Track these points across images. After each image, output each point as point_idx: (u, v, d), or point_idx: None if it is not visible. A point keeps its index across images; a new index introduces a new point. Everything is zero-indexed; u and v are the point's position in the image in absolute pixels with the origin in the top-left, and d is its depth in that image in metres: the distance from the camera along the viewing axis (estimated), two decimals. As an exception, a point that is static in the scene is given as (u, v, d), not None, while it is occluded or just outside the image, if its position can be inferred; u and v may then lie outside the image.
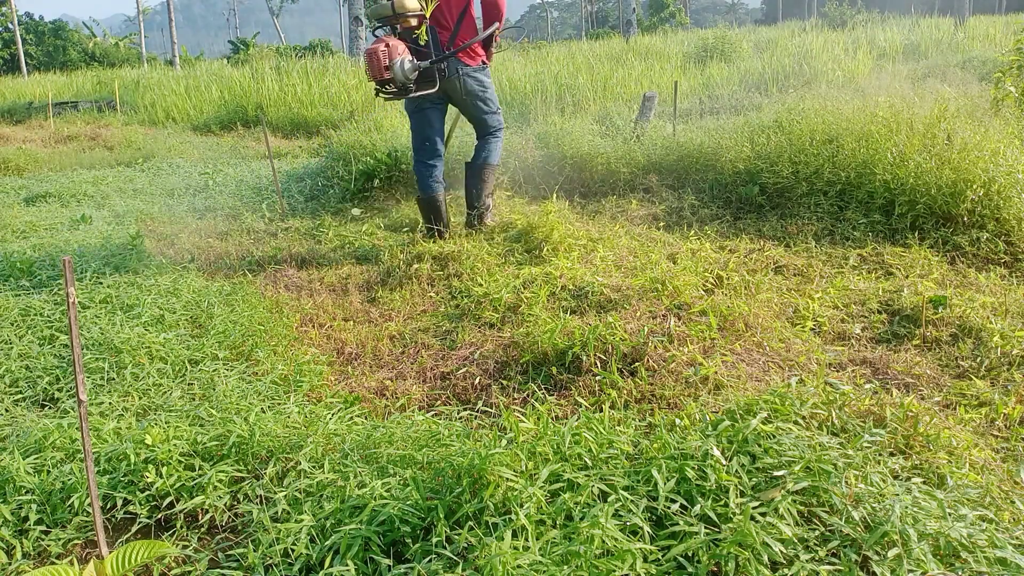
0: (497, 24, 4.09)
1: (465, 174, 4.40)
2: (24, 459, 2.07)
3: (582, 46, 18.69)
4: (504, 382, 2.73)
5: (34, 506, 1.93)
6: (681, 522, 1.67)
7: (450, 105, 4.41)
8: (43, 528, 1.90)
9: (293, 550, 1.72)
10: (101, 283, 3.61)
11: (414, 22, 3.92)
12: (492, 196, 4.45)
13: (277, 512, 1.89)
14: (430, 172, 4.25)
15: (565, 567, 1.54)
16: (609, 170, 5.61)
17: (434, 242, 4.24)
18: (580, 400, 2.48)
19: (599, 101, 10.28)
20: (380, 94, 3.94)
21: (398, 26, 3.99)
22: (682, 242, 4.17)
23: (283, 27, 55.31)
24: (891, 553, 1.56)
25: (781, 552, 1.56)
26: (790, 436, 1.89)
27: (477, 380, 2.76)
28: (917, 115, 4.72)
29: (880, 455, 1.92)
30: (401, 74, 3.80)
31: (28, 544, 1.84)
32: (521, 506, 1.69)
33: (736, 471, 1.78)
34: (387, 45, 3.79)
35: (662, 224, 4.64)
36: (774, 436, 1.89)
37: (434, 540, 1.67)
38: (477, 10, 4.15)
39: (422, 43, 3.97)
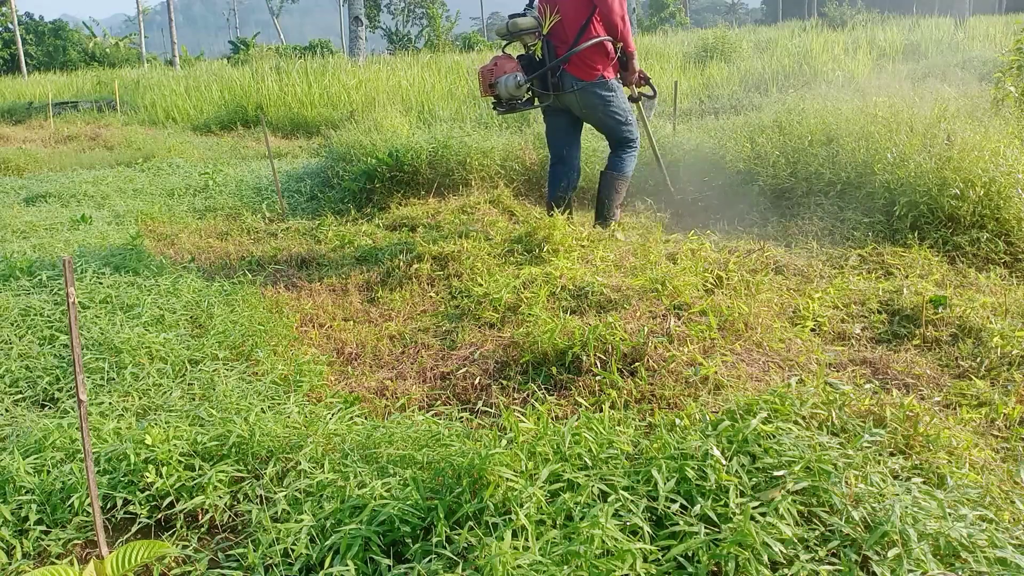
0: (612, 40, 4.10)
1: (599, 182, 4.44)
2: (24, 459, 2.07)
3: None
4: (504, 382, 2.73)
5: (34, 506, 1.92)
6: (681, 522, 1.67)
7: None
8: (43, 528, 1.90)
9: (293, 550, 1.72)
10: (101, 283, 3.61)
11: (530, 39, 4.10)
12: (620, 208, 4.45)
13: (277, 512, 1.89)
14: (555, 179, 4.39)
15: (565, 567, 1.54)
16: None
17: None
18: (580, 400, 2.48)
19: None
20: (495, 108, 4.21)
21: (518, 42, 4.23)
22: (682, 242, 4.17)
23: (283, 27, 55.31)
24: (891, 553, 1.56)
25: (781, 552, 1.56)
26: (790, 436, 1.89)
27: (477, 380, 2.76)
28: (917, 115, 4.72)
29: (880, 455, 1.92)
30: (505, 91, 4.02)
31: (28, 544, 1.84)
32: (521, 506, 1.69)
33: (736, 471, 1.78)
34: (495, 64, 4.05)
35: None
36: (774, 436, 1.89)
37: (434, 540, 1.67)
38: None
39: (537, 58, 4.14)
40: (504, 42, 4.35)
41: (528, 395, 2.61)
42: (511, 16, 4.12)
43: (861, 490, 1.72)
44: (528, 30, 4.06)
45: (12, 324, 3.13)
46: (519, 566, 1.53)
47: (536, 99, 4.24)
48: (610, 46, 4.12)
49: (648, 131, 4.90)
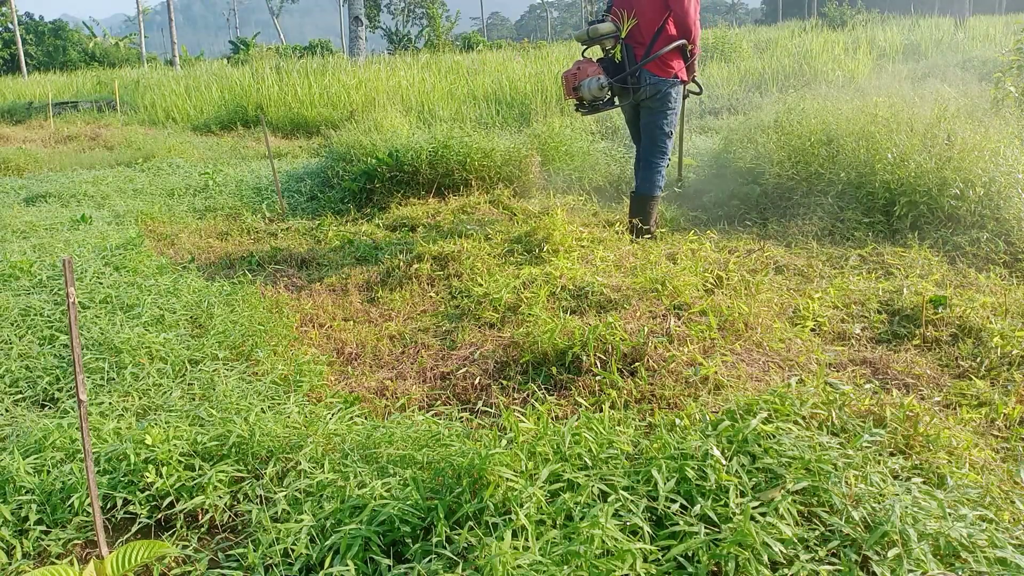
0: (686, 42, 4.25)
1: (631, 203, 4.47)
2: (24, 459, 2.07)
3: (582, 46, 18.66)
4: (504, 382, 2.73)
5: (34, 506, 1.92)
6: (681, 522, 1.67)
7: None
8: (43, 528, 1.90)
9: (293, 550, 1.72)
10: (101, 283, 3.61)
11: (610, 43, 4.28)
12: (655, 223, 4.48)
13: (277, 512, 1.89)
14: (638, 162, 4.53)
15: (565, 567, 1.54)
16: (611, 172, 5.61)
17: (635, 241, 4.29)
18: (580, 400, 2.48)
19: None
20: (577, 109, 4.39)
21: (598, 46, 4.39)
22: (682, 242, 4.17)
23: (283, 27, 55.31)
24: (891, 553, 1.56)
25: (781, 552, 1.56)
26: (790, 436, 1.89)
27: (477, 380, 2.76)
28: (917, 115, 4.72)
29: (880, 455, 1.92)
30: (588, 93, 4.20)
31: (28, 544, 1.84)
32: (521, 506, 1.69)
33: (736, 471, 1.78)
34: (577, 68, 4.23)
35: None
36: (774, 436, 1.89)
37: (434, 540, 1.67)
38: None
39: (617, 60, 4.31)
40: (583, 47, 4.54)
41: (528, 395, 2.61)
42: (590, 23, 4.31)
43: (861, 490, 1.72)
44: (608, 35, 4.26)
45: (12, 324, 3.13)
46: (519, 566, 1.53)
47: (616, 99, 4.42)
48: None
49: (683, 123, 5.14)
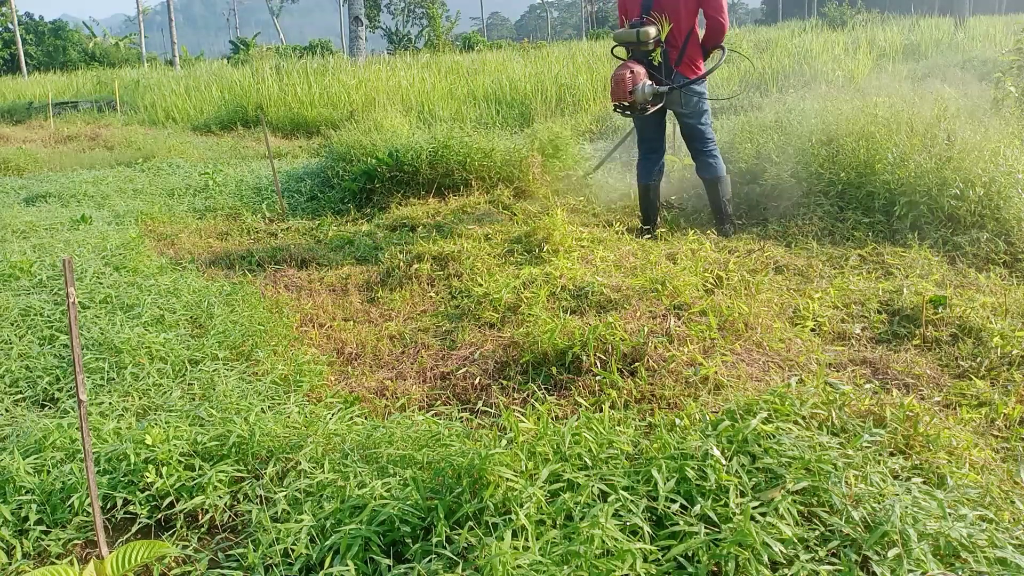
0: (720, 43, 4.38)
1: (707, 192, 4.59)
2: (24, 459, 2.07)
3: (582, 46, 18.69)
4: (504, 382, 2.73)
5: (34, 506, 1.92)
6: (681, 522, 1.67)
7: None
8: (43, 528, 1.90)
9: (293, 550, 1.72)
10: (101, 283, 3.61)
11: (651, 46, 4.30)
12: (729, 200, 4.59)
13: (277, 512, 1.89)
14: (649, 166, 4.62)
15: (565, 567, 1.54)
16: (611, 172, 5.61)
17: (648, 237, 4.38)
18: (580, 400, 2.48)
19: (599, 101, 10.28)
20: (617, 110, 4.36)
21: (638, 49, 4.38)
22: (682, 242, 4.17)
23: (283, 27, 55.29)
24: (891, 553, 1.56)
25: (781, 552, 1.56)
26: (790, 436, 1.89)
27: (477, 380, 2.76)
28: (917, 115, 4.72)
29: (880, 455, 1.92)
30: (642, 97, 4.20)
31: (28, 544, 1.84)
32: (521, 506, 1.69)
33: (736, 471, 1.78)
34: (632, 71, 4.17)
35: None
36: (774, 436, 1.89)
37: (434, 540, 1.67)
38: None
39: (656, 64, 4.33)
40: (621, 46, 4.47)
41: (528, 395, 2.61)
42: (635, 25, 4.26)
43: (861, 490, 1.72)
44: (655, 38, 4.28)
45: (12, 324, 3.13)
46: (519, 566, 1.53)
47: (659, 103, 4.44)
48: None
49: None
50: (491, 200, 5.46)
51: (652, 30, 4.23)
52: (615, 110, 4.40)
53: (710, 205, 4.62)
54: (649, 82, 4.24)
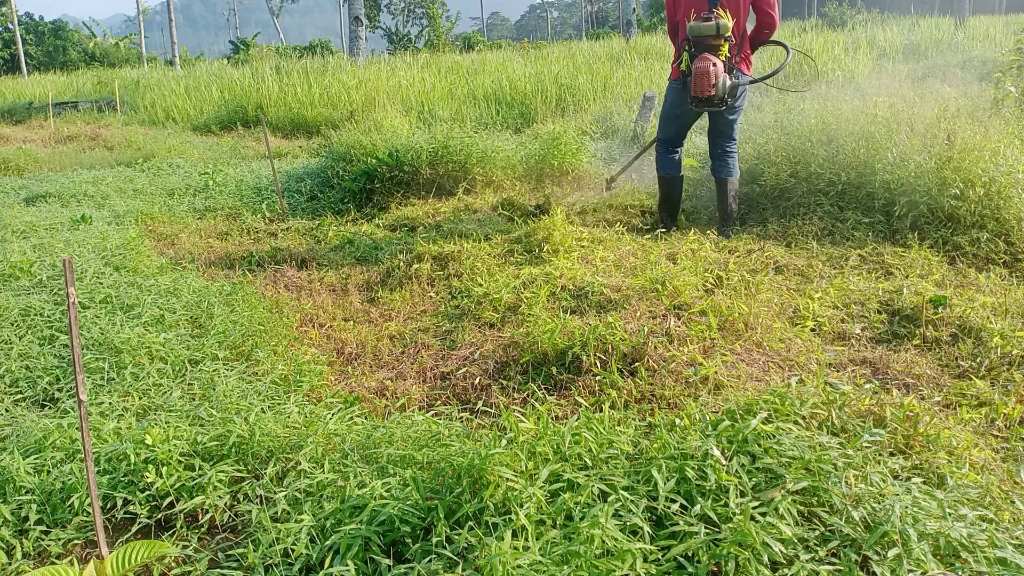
0: (772, 36, 4.45)
1: (718, 190, 4.61)
2: (24, 459, 2.07)
3: (582, 46, 18.69)
4: (504, 382, 2.73)
5: (34, 506, 1.92)
6: (681, 522, 1.67)
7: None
8: (43, 528, 1.90)
9: (293, 550, 1.72)
10: (101, 283, 3.61)
11: (721, 41, 4.28)
12: (736, 202, 4.61)
13: (277, 512, 1.89)
14: (671, 159, 4.66)
15: (565, 567, 1.54)
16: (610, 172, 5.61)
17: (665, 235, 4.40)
18: (580, 400, 2.48)
19: (599, 101, 10.28)
20: (697, 105, 4.29)
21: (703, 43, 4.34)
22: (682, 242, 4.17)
23: (283, 27, 55.31)
24: (891, 553, 1.56)
25: (781, 552, 1.56)
26: (790, 436, 1.89)
27: (477, 380, 2.76)
28: (917, 115, 4.72)
29: (880, 455, 1.92)
30: (722, 90, 4.15)
31: (28, 544, 1.84)
32: (521, 506, 1.69)
33: (736, 471, 1.78)
34: (714, 64, 4.12)
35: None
36: (774, 436, 1.89)
37: (434, 540, 1.67)
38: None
39: (724, 58, 4.30)
40: (698, 39, 4.38)
41: (528, 395, 2.61)
42: (707, 19, 4.21)
43: (861, 490, 1.72)
44: (729, 33, 4.28)
45: (12, 324, 3.13)
46: (519, 566, 1.53)
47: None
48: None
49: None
50: (491, 200, 5.45)
51: (729, 24, 4.22)
52: (691, 104, 4.31)
53: (718, 205, 4.61)
54: (727, 76, 4.22)
